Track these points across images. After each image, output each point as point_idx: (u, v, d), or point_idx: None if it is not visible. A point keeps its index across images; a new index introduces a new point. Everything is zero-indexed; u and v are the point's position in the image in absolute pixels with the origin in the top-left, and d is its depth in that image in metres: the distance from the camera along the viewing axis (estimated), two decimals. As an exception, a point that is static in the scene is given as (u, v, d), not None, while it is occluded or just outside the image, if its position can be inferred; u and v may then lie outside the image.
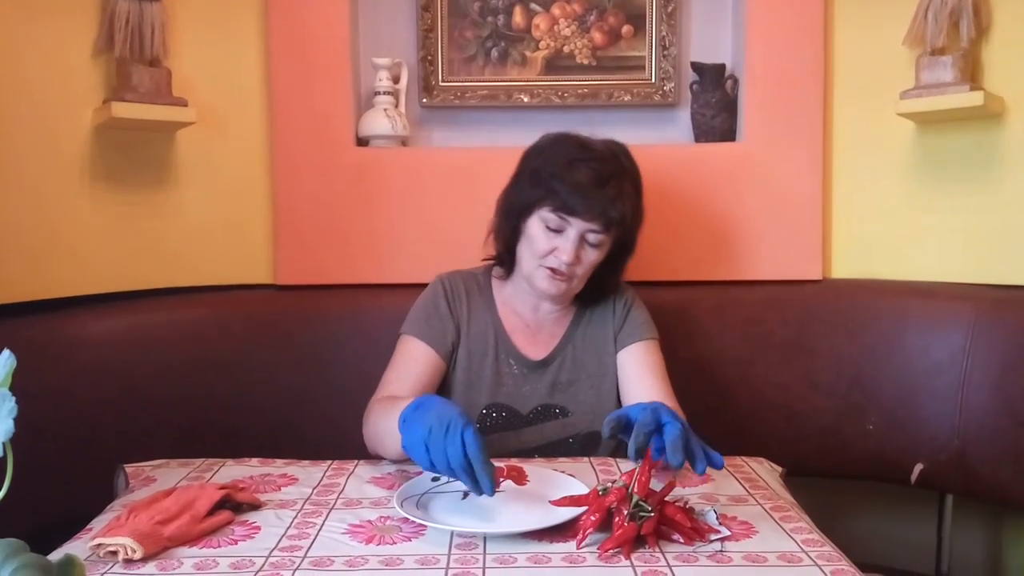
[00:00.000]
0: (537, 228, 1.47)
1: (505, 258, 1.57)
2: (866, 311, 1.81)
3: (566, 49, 2.02)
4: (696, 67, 1.97)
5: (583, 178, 1.43)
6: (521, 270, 1.54)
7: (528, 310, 1.58)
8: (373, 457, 1.41)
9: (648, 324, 1.59)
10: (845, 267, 1.96)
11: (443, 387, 1.55)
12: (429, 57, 2.01)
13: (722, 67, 1.97)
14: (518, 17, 2.01)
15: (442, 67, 2.01)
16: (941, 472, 1.68)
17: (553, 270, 1.47)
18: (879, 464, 1.77)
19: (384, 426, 1.31)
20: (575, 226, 1.44)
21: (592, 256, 1.48)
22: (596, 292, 1.58)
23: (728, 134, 1.97)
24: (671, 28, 2.00)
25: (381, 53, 1.98)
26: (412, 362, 1.50)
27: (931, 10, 1.72)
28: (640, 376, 1.52)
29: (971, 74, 1.72)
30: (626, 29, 2.01)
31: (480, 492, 1.09)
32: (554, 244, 1.46)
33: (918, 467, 1.70)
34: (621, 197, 1.45)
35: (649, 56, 2.01)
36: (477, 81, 2.02)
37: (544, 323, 1.58)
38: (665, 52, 2.01)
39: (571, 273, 1.47)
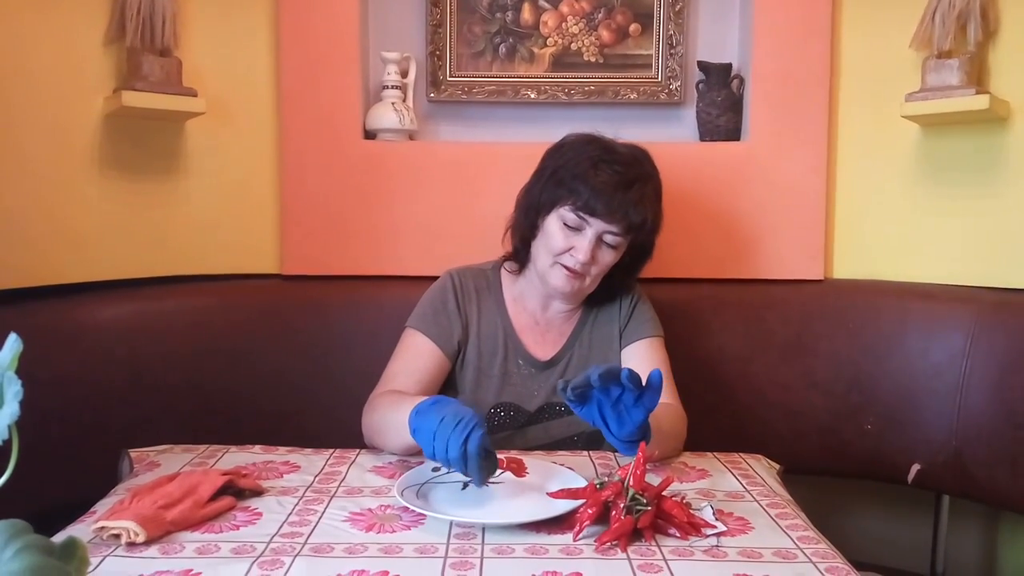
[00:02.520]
0: (555, 226, 1.48)
1: (520, 254, 1.58)
2: (867, 312, 1.81)
3: (574, 46, 2.02)
4: (702, 66, 1.97)
5: (607, 180, 1.44)
6: (536, 267, 1.54)
7: (538, 308, 1.59)
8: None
9: (653, 321, 1.60)
10: (847, 267, 1.96)
11: (451, 385, 1.55)
12: (437, 52, 2.02)
13: (728, 66, 1.97)
14: (526, 13, 2.02)
15: (450, 62, 2.02)
16: (938, 473, 1.69)
17: (568, 268, 1.48)
18: (876, 464, 1.78)
19: (391, 418, 1.33)
20: (594, 226, 1.45)
21: (608, 257, 1.48)
22: (607, 293, 1.58)
23: (733, 133, 1.97)
24: (678, 27, 2.01)
25: (390, 47, 1.98)
26: (417, 358, 1.51)
27: (938, 13, 1.72)
28: (643, 373, 1.52)
29: (977, 77, 1.72)
30: (634, 27, 2.02)
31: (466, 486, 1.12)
32: (571, 243, 1.47)
33: (915, 467, 1.71)
34: (643, 201, 1.46)
35: (656, 54, 2.02)
36: (485, 77, 2.03)
37: (553, 322, 1.59)
38: (672, 51, 2.01)
39: (585, 272, 1.48)
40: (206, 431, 1.53)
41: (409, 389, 1.45)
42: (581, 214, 1.45)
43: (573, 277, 1.48)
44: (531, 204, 1.53)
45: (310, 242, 1.95)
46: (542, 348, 1.57)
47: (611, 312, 1.59)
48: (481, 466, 1.10)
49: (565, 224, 1.47)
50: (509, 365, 1.55)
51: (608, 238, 1.46)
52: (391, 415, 1.33)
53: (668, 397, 1.47)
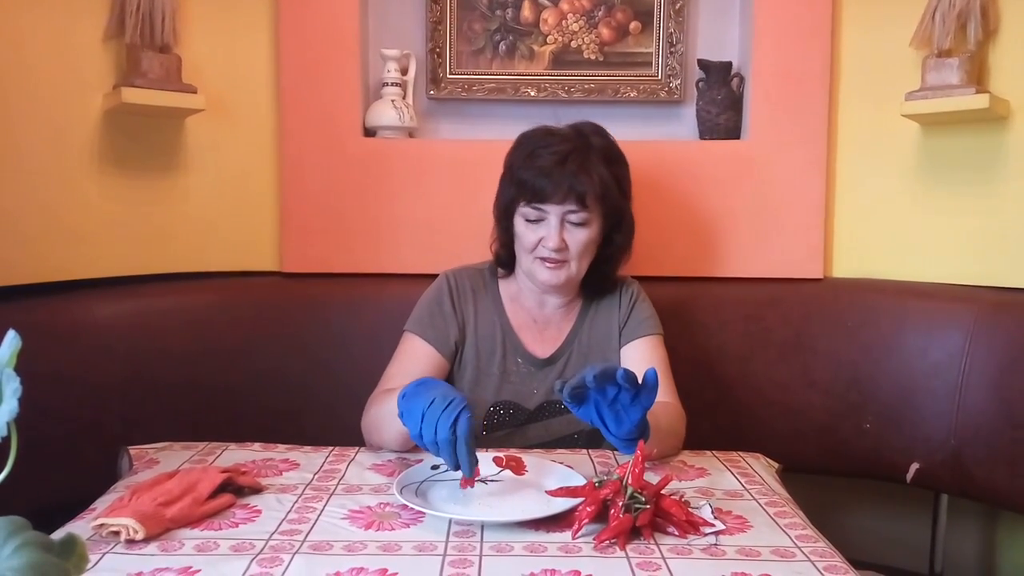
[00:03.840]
0: (521, 224, 1.50)
1: (504, 259, 1.60)
2: (866, 311, 1.81)
3: (574, 44, 2.02)
4: (703, 64, 1.97)
5: (545, 163, 1.46)
6: (522, 268, 1.56)
7: (534, 306, 1.59)
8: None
9: (653, 320, 1.59)
10: (846, 266, 1.96)
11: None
12: (437, 49, 2.02)
13: (728, 65, 1.97)
14: (526, 11, 2.02)
15: (450, 59, 2.02)
16: (937, 472, 1.68)
17: (546, 260, 1.48)
18: (875, 462, 1.78)
19: (384, 412, 1.34)
20: (551, 211, 1.46)
21: (580, 236, 1.48)
22: (603, 278, 1.58)
23: (733, 132, 1.97)
24: (679, 25, 2.01)
25: (390, 44, 1.98)
26: (414, 360, 1.52)
27: (939, 12, 1.72)
28: (642, 371, 1.52)
29: (977, 76, 1.72)
30: (634, 25, 2.02)
31: (457, 468, 1.13)
32: (539, 235, 1.48)
33: (914, 466, 1.71)
34: (585, 170, 1.46)
35: (656, 52, 2.02)
36: (485, 74, 2.03)
37: (551, 319, 1.59)
38: (672, 49, 2.01)
39: (564, 258, 1.49)
40: (205, 428, 1.53)
41: None
42: (534, 204, 1.47)
43: (555, 267, 1.49)
44: (499, 210, 1.56)
45: (310, 240, 1.95)
46: (540, 346, 1.57)
47: (610, 310, 1.59)
48: (470, 452, 1.11)
49: (528, 220, 1.49)
50: (508, 363, 1.55)
51: (571, 217, 1.47)
52: (384, 408, 1.34)
53: (667, 396, 1.47)
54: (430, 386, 1.18)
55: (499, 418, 1.53)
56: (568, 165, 1.45)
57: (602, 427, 1.18)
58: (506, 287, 1.61)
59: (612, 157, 1.52)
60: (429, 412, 1.13)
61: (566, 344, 1.57)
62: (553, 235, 1.46)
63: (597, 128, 1.55)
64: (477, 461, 1.13)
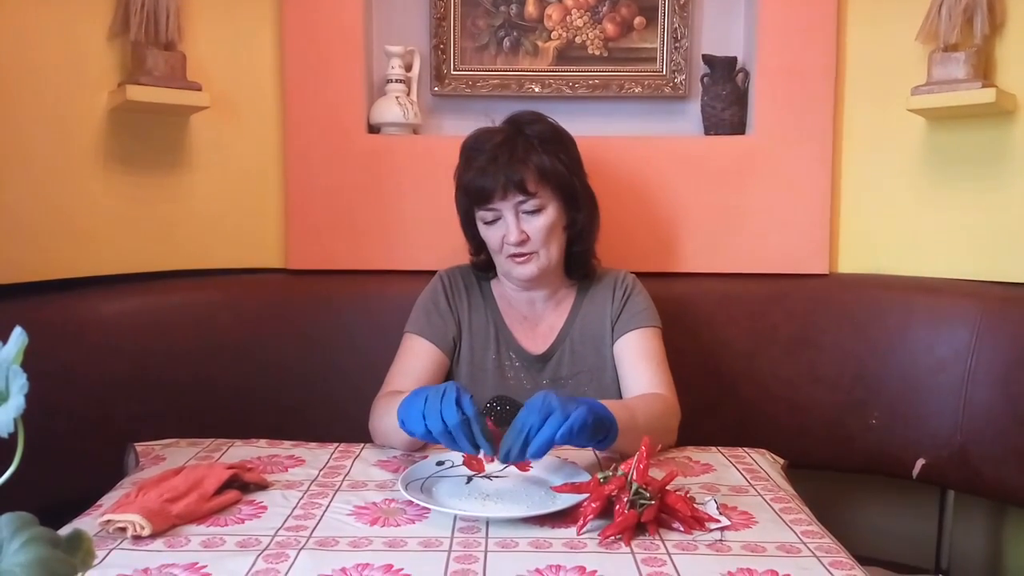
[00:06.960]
0: (482, 228, 1.52)
1: (483, 266, 1.61)
2: (872, 306, 1.81)
3: (578, 39, 2.02)
4: (707, 60, 1.97)
5: (480, 165, 1.47)
6: (500, 271, 1.58)
7: (524, 305, 1.60)
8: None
9: (648, 312, 1.57)
10: (852, 262, 1.96)
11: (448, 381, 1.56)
12: (441, 45, 2.02)
13: (733, 60, 1.97)
14: (530, 7, 2.01)
15: (454, 56, 2.02)
16: (943, 468, 1.68)
17: (513, 256, 1.49)
18: (881, 458, 1.77)
19: (387, 422, 1.35)
20: (503, 208, 1.47)
21: (539, 223, 1.48)
22: (582, 263, 1.58)
23: (738, 127, 1.97)
24: (683, 20, 2.00)
25: (394, 41, 1.98)
26: (415, 358, 1.52)
27: (945, 6, 1.72)
28: (634, 363, 1.51)
29: (984, 71, 1.71)
30: (638, 20, 2.01)
31: (477, 451, 1.14)
32: (500, 233, 1.49)
33: (920, 462, 1.71)
34: (519, 158, 1.46)
35: (661, 48, 2.01)
36: (489, 70, 2.03)
37: (542, 316, 1.59)
38: (677, 44, 2.01)
39: (531, 250, 1.49)
40: (211, 425, 1.53)
41: (408, 388, 1.45)
42: (484, 207, 1.48)
43: (524, 261, 1.50)
44: (463, 222, 1.59)
45: (315, 236, 1.95)
46: (533, 342, 1.57)
47: (603, 304, 1.58)
48: (484, 428, 1.13)
49: (486, 223, 1.51)
50: (502, 359, 1.56)
51: (524, 207, 1.47)
52: (387, 419, 1.35)
53: (660, 388, 1.46)
54: (419, 393, 1.20)
55: (496, 414, 1.53)
56: (500, 159, 1.46)
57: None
58: (497, 285, 1.62)
59: (549, 139, 1.52)
60: (428, 409, 1.14)
61: (558, 341, 1.57)
62: (512, 229, 1.47)
63: (534, 115, 1.55)
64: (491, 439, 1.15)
